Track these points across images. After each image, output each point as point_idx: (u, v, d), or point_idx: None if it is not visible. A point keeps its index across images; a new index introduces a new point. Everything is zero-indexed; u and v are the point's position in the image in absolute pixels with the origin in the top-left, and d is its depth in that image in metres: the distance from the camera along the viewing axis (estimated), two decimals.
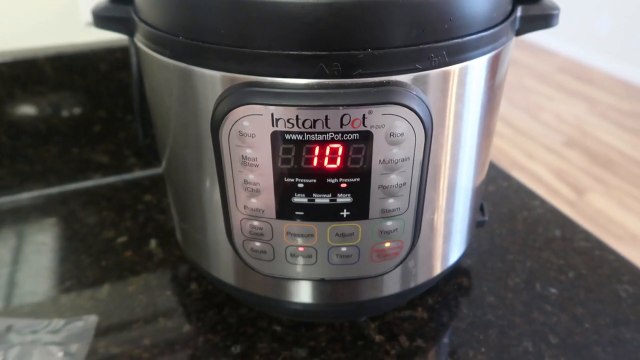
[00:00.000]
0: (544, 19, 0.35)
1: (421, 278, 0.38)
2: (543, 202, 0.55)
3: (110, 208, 0.56)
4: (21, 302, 0.44)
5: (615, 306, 0.42)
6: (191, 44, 0.29)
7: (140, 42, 0.33)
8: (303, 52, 0.27)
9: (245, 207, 0.31)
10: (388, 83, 0.27)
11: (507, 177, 0.59)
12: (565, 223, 0.52)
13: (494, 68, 0.33)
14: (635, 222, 1.88)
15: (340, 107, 0.27)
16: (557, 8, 0.35)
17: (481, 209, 0.45)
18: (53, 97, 0.54)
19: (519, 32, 0.36)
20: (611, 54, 3.10)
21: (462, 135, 0.33)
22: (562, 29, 3.38)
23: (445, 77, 0.29)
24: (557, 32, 3.41)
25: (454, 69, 0.29)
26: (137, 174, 0.61)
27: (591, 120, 2.60)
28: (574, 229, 0.51)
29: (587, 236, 0.50)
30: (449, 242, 0.38)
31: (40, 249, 0.50)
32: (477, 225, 0.44)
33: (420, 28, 0.27)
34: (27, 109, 0.54)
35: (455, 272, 0.46)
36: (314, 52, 0.27)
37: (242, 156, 0.29)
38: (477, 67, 0.31)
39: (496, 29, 0.31)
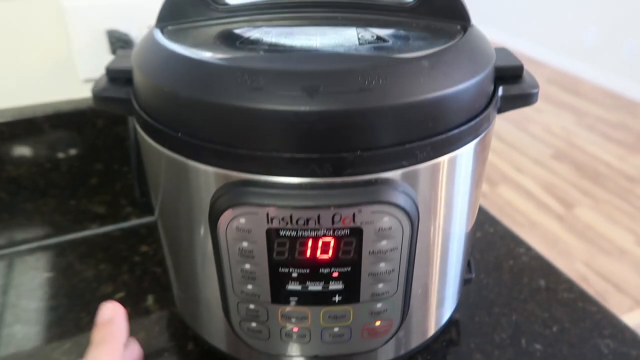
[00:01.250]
0: (525, 98, 0.37)
1: (414, 343, 0.40)
2: (528, 249, 0.57)
3: (108, 260, 0.57)
4: None
5: None
6: (189, 142, 0.30)
7: (138, 127, 0.35)
8: (296, 155, 0.28)
9: (242, 291, 0.33)
10: (376, 181, 0.29)
11: (494, 223, 0.61)
12: (549, 271, 0.54)
13: (481, 148, 0.34)
14: (623, 236, 1.91)
15: (332, 207, 0.28)
16: (536, 86, 0.37)
17: (468, 265, 0.46)
18: (51, 153, 0.55)
19: (499, 111, 0.37)
20: (598, 64, 3.15)
21: (453, 213, 0.35)
22: (550, 39, 3.43)
23: (435, 169, 0.31)
24: (546, 42, 3.46)
25: (442, 160, 0.31)
26: (134, 222, 0.62)
27: (579, 132, 2.64)
28: (557, 277, 0.53)
29: (571, 286, 0.52)
30: (439, 307, 0.40)
31: (40, 306, 0.51)
32: (465, 282, 0.46)
33: (405, 129, 0.29)
34: (26, 165, 0.55)
35: (445, 326, 0.47)
36: (306, 155, 0.28)
37: (239, 248, 0.31)
38: (464, 154, 0.32)
39: (481, 116, 0.33)
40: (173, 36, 0.35)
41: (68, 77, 0.56)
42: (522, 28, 3.65)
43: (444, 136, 0.30)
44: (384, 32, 0.34)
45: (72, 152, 0.56)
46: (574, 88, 3.12)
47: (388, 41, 0.32)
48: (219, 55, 0.31)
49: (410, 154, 0.29)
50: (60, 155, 0.56)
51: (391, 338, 0.35)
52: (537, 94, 0.37)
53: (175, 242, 0.37)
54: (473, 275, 0.46)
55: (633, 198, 2.11)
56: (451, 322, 0.48)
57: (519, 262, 0.55)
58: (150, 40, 0.34)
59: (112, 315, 0.32)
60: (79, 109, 0.55)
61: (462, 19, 0.35)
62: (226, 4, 0.36)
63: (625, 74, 3.00)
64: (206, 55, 0.31)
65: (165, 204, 0.36)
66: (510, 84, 0.37)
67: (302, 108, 0.27)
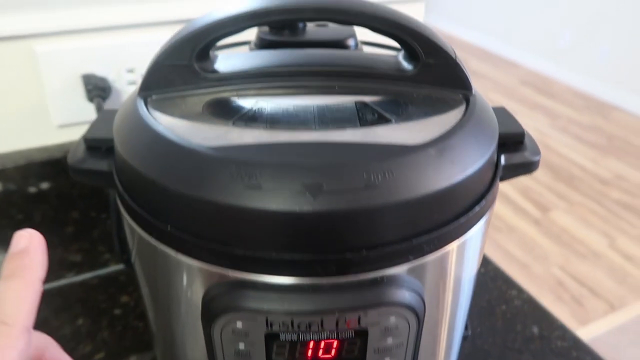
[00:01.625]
0: (527, 166, 0.36)
1: None
2: (520, 291, 0.57)
3: (86, 314, 0.54)
4: None
5: None
6: (180, 236, 0.28)
7: (122, 208, 0.32)
8: (297, 256, 0.26)
9: None
10: (382, 280, 0.27)
11: (485, 262, 0.61)
12: (542, 316, 0.54)
13: (487, 224, 0.33)
14: (597, 239, 1.95)
15: (336, 312, 0.27)
16: (538, 153, 0.36)
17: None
18: (23, 203, 0.52)
19: (500, 179, 0.36)
20: (571, 66, 3.21)
21: (460, 293, 0.33)
22: (524, 40, 3.48)
23: (443, 257, 0.30)
24: (520, 43, 3.51)
25: (451, 247, 0.30)
26: (112, 268, 0.59)
27: (553, 134, 2.69)
28: (550, 323, 0.53)
29: (564, 333, 0.52)
30: None
31: None
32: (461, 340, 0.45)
33: (412, 223, 0.27)
34: None
35: None
36: (308, 256, 0.26)
37: (235, 349, 0.29)
38: (473, 236, 0.31)
39: (488, 195, 0.31)
40: (158, 107, 0.32)
41: (41, 123, 0.52)
42: (497, 28, 3.68)
43: (452, 225, 0.29)
44: (384, 107, 0.32)
45: (46, 202, 0.53)
46: (547, 89, 3.17)
47: (390, 120, 0.30)
48: (212, 141, 0.28)
49: (418, 249, 0.28)
50: (33, 206, 0.53)
51: None
52: (538, 161, 0.36)
53: (161, 326, 0.35)
54: (469, 333, 0.45)
55: (606, 201, 2.16)
56: None
57: (511, 307, 0.55)
58: (133, 112, 0.32)
59: (26, 245, 0.25)
60: (54, 157, 0.51)
61: (463, 87, 0.34)
62: (216, 72, 0.33)
63: (597, 76, 3.06)
64: (197, 139, 0.29)
65: (149, 289, 0.34)
66: (512, 152, 0.35)
67: (305, 209, 0.25)
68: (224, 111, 0.32)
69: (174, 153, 0.28)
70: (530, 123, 2.79)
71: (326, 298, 0.27)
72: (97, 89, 0.48)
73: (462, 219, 0.29)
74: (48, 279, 0.58)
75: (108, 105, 0.50)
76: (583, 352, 0.50)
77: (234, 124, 0.30)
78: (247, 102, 0.32)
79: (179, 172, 0.27)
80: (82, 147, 0.34)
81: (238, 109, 0.32)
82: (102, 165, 0.33)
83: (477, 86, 0.35)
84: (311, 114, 0.31)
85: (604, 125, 2.76)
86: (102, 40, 0.50)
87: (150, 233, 0.30)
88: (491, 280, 0.58)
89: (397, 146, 0.28)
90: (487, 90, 3.14)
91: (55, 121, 0.52)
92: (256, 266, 0.27)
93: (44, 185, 0.52)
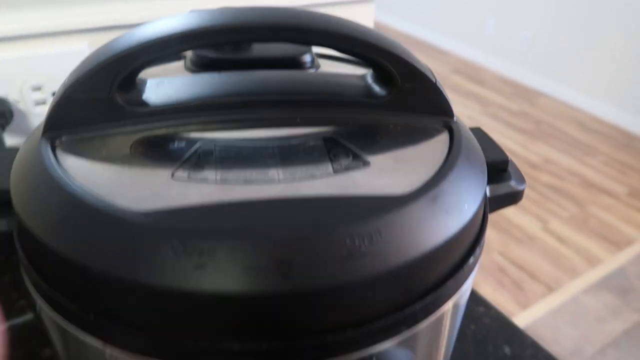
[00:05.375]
0: (513, 197, 0.32)
1: None
2: (487, 307, 0.54)
3: None
4: None
5: None
6: (108, 327, 0.22)
7: (29, 284, 0.25)
8: (266, 345, 0.21)
9: None
10: (371, 359, 0.22)
11: None
12: (512, 334, 0.51)
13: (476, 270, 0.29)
14: (531, 223, 2.03)
15: None
16: (523, 182, 0.33)
17: None
18: None
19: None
20: (497, 53, 3.32)
21: (450, 344, 0.29)
22: (453, 29, 3.55)
23: (438, 320, 0.25)
24: (449, 32, 3.58)
25: (446, 307, 0.25)
26: (30, 316, 0.51)
27: (485, 121, 2.77)
28: (521, 341, 0.51)
29: (536, 351, 0.50)
30: None
31: None
32: None
33: (403, 292, 0.23)
34: None
35: None
36: (279, 343, 0.21)
37: None
38: (467, 290, 0.27)
39: (481, 241, 0.27)
40: (71, 151, 0.25)
41: None
42: (428, 17, 3.74)
43: (448, 284, 0.24)
44: (357, 143, 0.27)
45: None
46: (478, 77, 3.27)
47: (368, 162, 0.25)
48: (145, 202, 0.22)
49: (411, 318, 0.23)
50: None
51: None
52: (523, 191, 0.33)
53: None
54: None
55: (537, 185, 2.25)
56: None
57: (480, 326, 0.52)
58: (36, 163, 0.24)
59: None
60: None
61: (444, 114, 0.29)
62: (145, 104, 0.26)
63: (522, 63, 3.18)
64: (126, 199, 0.22)
65: None
66: (496, 183, 0.32)
67: (273, 289, 0.20)
68: (159, 154, 0.25)
69: (95, 221, 0.21)
70: (464, 111, 2.86)
71: None
72: None
73: (459, 274, 0.25)
74: None
75: (11, 132, 0.41)
76: None
77: (173, 175, 0.23)
78: (189, 142, 0.26)
79: (103, 247, 0.21)
80: None
81: (177, 152, 0.25)
82: None
83: None
84: (272, 158, 0.25)
85: (532, 111, 2.88)
86: None
87: (68, 319, 0.23)
88: None
89: (383, 198, 0.23)
90: None
91: None
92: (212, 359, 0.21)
93: None
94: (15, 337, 0.48)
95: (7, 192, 0.25)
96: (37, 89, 0.43)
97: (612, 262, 1.84)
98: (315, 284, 0.20)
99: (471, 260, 0.26)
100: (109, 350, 0.22)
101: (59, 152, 0.25)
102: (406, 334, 0.23)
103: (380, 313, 0.22)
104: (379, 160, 0.26)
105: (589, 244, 1.93)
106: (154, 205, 0.22)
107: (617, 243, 1.93)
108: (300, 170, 0.24)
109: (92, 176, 0.23)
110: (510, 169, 0.32)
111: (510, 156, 0.32)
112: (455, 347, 0.49)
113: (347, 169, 0.25)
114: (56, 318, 0.23)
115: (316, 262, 0.20)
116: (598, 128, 2.73)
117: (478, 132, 0.34)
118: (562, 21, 2.89)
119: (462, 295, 0.26)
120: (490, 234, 1.97)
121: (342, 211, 0.22)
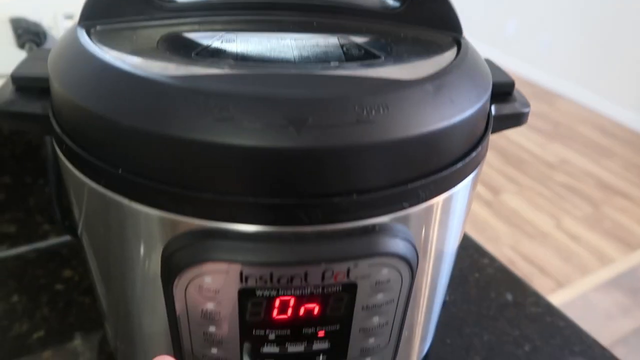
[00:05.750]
0: (516, 118, 0.34)
1: None
2: (492, 260, 0.55)
3: (22, 290, 0.48)
4: None
5: None
6: (135, 181, 0.24)
7: (60, 154, 0.27)
8: (278, 200, 0.23)
9: (204, 355, 0.27)
10: (373, 229, 0.24)
11: None
12: (515, 283, 0.53)
13: (477, 176, 0.31)
14: (544, 220, 2.02)
15: (322, 263, 0.23)
16: (528, 105, 0.34)
17: None
18: None
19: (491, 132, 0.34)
20: (517, 55, 3.30)
21: (448, 250, 0.31)
22: (473, 29, 3.54)
23: (436, 207, 0.27)
24: (469, 32, 3.56)
25: (446, 196, 0.27)
26: (53, 241, 0.53)
27: None
28: (523, 290, 0.52)
29: (537, 300, 0.51)
30: (421, 344, 0.36)
31: None
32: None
33: (407, 166, 0.24)
34: None
35: None
36: (291, 200, 0.23)
37: (202, 310, 0.25)
38: (465, 186, 0.28)
39: (483, 143, 0.29)
40: (104, 40, 0.27)
41: None
42: None
43: (449, 171, 0.26)
44: (370, 45, 0.28)
45: None
46: None
47: (379, 57, 0.27)
48: (172, 71, 0.24)
49: (413, 195, 0.25)
50: None
51: None
52: (528, 114, 0.34)
53: (111, 289, 0.30)
54: (447, 298, 0.43)
55: (552, 184, 2.24)
56: None
57: (484, 275, 0.53)
58: (73, 44, 0.27)
59: None
60: None
61: (453, 29, 0.31)
62: (173, 1, 0.29)
63: (541, 66, 3.16)
64: (154, 70, 0.24)
65: (97, 246, 0.29)
66: (502, 103, 0.33)
67: (287, 145, 0.22)
68: (183, 46, 0.27)
69: (127, 84, 0.23)
70: None
71: (311, 248, 0.23)
72: (29, 34, 0.42)
73: (459, 164, 0.26)
74: None
75: None
76: (557, 317, 0.49)
77: (197, 54, 0.25)
78: (212, 37, 0.28)
79: (134, 105, 0.23)
80: (10, 88, 0.29)
81: (200, 44, 0.27)
82: (35, 107, 0.28)
83: None
84: (289, 49, 0.27)
85: (550, 112, 2.86)
86: None
87: (97, 180, 0.25)
88: (463, 250, 0.57)
89: (392, 80, 0.25)
90: None
91: None
92: (228, 213, 0.23)
93: None
94: (38, 258, 0.51)
95: (45, 79, 0.28)
96: (69, 17, 0.46)
97: (625, 262, 1.83)
98: (325, 143, 0.22)
99: (472, 154, 0.27)
100: (134, 206, 0.24)
101: (93, 38, 0.27)
102: (407, 212, 0.25)
103: (383, 185, 0.24)
104: (389, 57, 0.27)
105: (601, 243, 1.91)
106: (180, 72, 0.24)
107: (630, 244, 1.91)
108: (315, 57, 0.26)
109: (123, 57, 0.26)
110: (515, 93, 0.34)
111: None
112: (457, 290, 0.50)
113: (358, 59, 0.26)
114: (87, 181, 0.25)
115: (327, 123, 0.22)
116: (617, 132, 2.70)
117: (487, 60, 0.35)
118: (582, 24, 2.87)
119: (460, 192, 0.28)
120: (501, 228, 1.96)
121: (353, 85, 0.24)
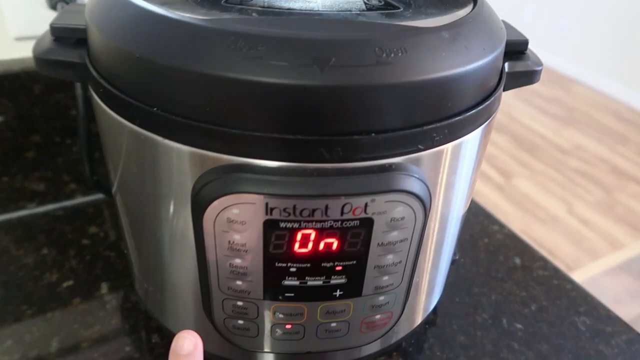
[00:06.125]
0: (529, 75, 0.35)
1: (402, 333, 0.38)
2: (501, 227, 0.57)
3: (51, 244, 0.50)
4: None
5: (575, 340, 0.44)
6: (168, 118, 0.25)
7: (97, 98, 0.29)
8: (301, 137, 0.24)
9: (229, 288, 0.29)
10: (390, 167, 0.26)
11: None
12: (523, 249, 0.54)
13: (489, 128, 0.32)
14: (555, 204, 2.02)
15: (342, 197, 0.25)
16: (540, 64, 0.35)
17: None
18: None
19: (504, 89, 0.35)
20: (534, 40, 3.26)
21: (458, 198, 0.32)
22: None
23: (448, 152, 0.28)
24: None
25: (458, 142, 0.28)
26: (79, 200, 0.56)
27: (517, 105, 2.74)
28: (532, 255, 0.53)
29: (545, 264, 0.52)
30: (430, 295, 0.38)
31: None
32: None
33: (423, 109, 0.26)
34: None
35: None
36: (313, 137, 0.24)
37: (229, 241, 0.27)
38: (477, 136, 0.30)
39: (495, 94, 0.30)
40: None
41: None
42: None
43: (462, 117, 0.27)
44: None
45: (4, 122, 0.48)
46: None
47: (398, 7, 0.28)
48: (204, 16, 0.26)
49: (427, 137, 0.26)
50: None
51: (389, 330, 0.33)
52: (540, 71, 0.35)
53: (142, 229, 0.33)
54: (457, 257, 0.44)
55: (565, 169, 2.23)
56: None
57: (493, 240, 0.55)
58: None
59: (190, 350, 0.27)
60: (11, 71, 0.47)
61: None
62: None
63: (558, 51, 3.12)
64: (187, 14, 0.26)
65: (130, 186, 0.31)
66: (515, 60, 0.34)
67: (311, 82, 0.23)
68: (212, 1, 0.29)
69: (162, 26, 0.25)
70: None
71: (332, 182, 0.25)
72: None
73: (473, 112, 0.28)
74: (7, 208, 0.53)
75: None
76: (563, 280, 0.50)
77: (226, 2, 0.27)
78: None
79: (169, 46, 0.25)
80: (49, 39, 0.31)
81: None
82: (72, 55, 0.30)
83: None
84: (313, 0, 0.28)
85: (565, 98, 2.84)
86: None
87: (133, 120, 0.27)
88: (473, 217, 0.58)
89: (410, 27, 0.26)
90: None
91: (12, 33, 0.47)
92: (256, 149, 0.25)
93: (2, 102, 0.47)
94: (65, 215, 0.54)
95: (82, 30, 0.29)
96: None
97: (636, 247, 1.82)
98: (346, 82, 0.23)
99: (486, 103, 0.28)
100: (167, 143, 0.26)
101: None
102: (422, 155, 0.27)
103: (400, 126, 0.25)
104: (407, 9, 0.29)
105: (613, 228, 1.91)
106: (210, 16, 0.25)
107: None
108: (337, 5, 0.27)
109: (157, 4, 0.27)
110: (529, 52, 0.35)
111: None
112: (467, 254, 0.52)
113: (378, 9, 0.28)
114: (123, 121, 0.27)
115: (348, 63, 0.24)
116: (633, 118, 2.67)
117: (503, 21, 0.36)
118: (600, 10, 2.82)
119: (473, 140, 0.29)
120: (512, 212, 1.97)
121: (374, 29, 0.25)
